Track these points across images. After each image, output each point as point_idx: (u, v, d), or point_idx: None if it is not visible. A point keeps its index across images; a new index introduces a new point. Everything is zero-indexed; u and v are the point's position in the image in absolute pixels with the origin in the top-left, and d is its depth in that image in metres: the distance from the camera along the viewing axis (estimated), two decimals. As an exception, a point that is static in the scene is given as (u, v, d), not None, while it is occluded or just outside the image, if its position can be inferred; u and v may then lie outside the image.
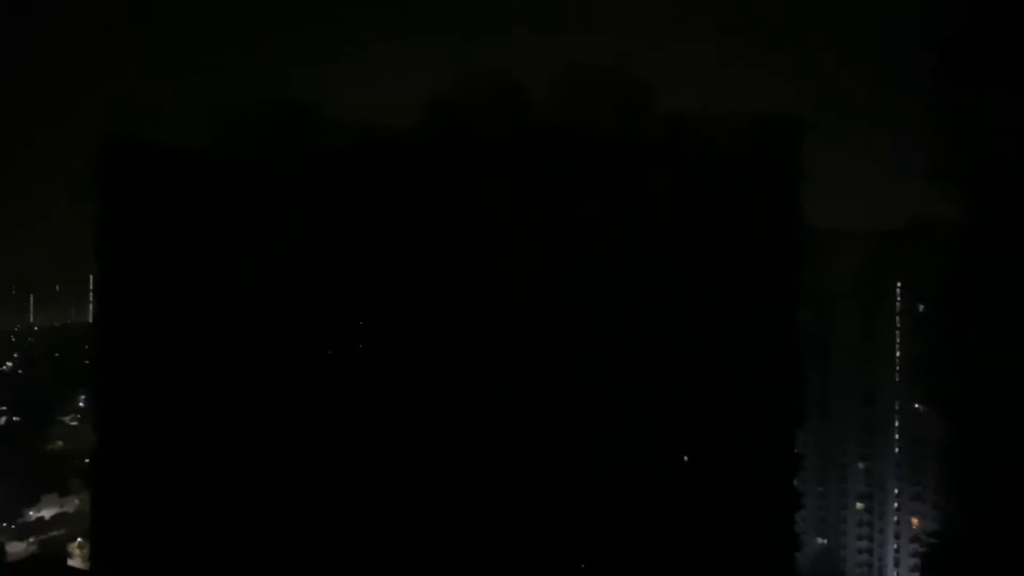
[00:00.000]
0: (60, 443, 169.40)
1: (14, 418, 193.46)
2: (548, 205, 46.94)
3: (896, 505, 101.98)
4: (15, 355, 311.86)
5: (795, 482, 51.28)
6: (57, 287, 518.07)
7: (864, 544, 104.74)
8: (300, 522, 52.23)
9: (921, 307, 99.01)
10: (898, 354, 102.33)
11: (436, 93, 49.62)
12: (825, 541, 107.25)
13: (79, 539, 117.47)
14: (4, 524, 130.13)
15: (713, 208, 46.79)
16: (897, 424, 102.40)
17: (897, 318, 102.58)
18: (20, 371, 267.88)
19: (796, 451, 50.89)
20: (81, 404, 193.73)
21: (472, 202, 47.62)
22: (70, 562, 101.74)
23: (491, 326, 47.11)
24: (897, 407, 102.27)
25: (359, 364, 52.61)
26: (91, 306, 65.16)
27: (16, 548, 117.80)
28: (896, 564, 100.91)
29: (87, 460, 72.74)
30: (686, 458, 48.99)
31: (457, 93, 48.97)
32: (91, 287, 64.64)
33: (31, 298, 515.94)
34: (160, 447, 56.91)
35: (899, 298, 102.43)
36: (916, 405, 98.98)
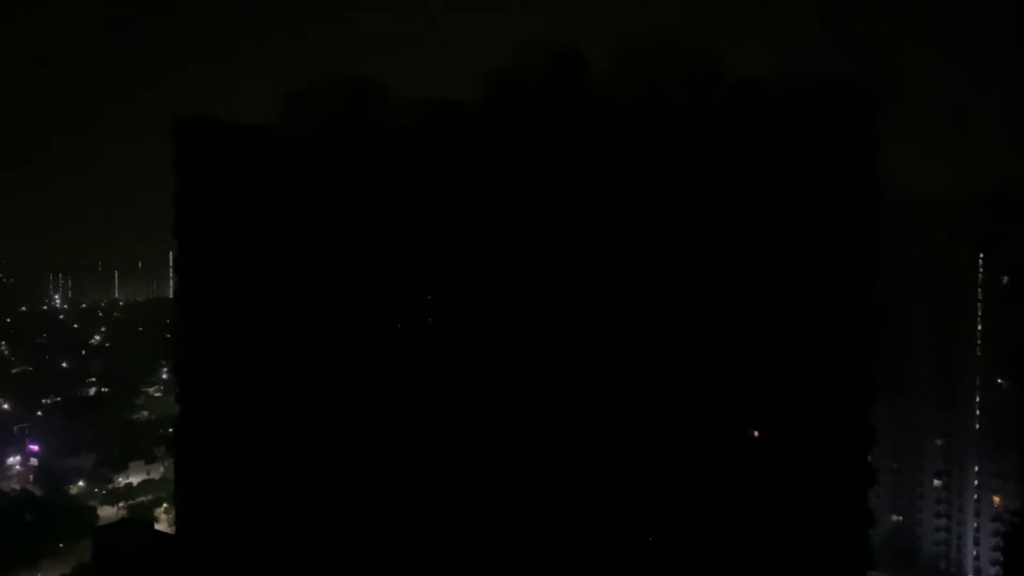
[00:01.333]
0: (145, 413, 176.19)
1: (102, 389, 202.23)
2: (614, 176, 46.41)
3: (976, 483, 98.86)
4: (102, 328, 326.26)
5: (869, 457, 50.17)
6: (140, 263, 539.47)
7: (942, 522, 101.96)
8: (368, 487, 53.50)
9: (1005, 279, 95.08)
10: (980, 327, 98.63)
11: (499, 67, 49.42)
12: (900, 519, 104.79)
13: (165, 504, 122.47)
14: (95, 490, 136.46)
15: (785, 178, 45.62)
16: (978, 400, 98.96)
17: (979, 290, 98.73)
18: (108, 344, 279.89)
19: (870, 425, 49.74)
20: (164, 375, 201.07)
21: (537, 174, 47.42)
22: (157, 526, 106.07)
23: (557, 293, 47.07)
24: (978, 382, 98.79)
25: (427, 337, 53.31)
26: (171, 281, 67.62)
27: (107, 512, 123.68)
28: (976, 543, 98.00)
29: (171, 429, 75.83)
30: (757, 433, 48.36)
31: (520, 66, 48.68)
32: (171, 263, 67.02)
33: (116, 274, 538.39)
34: (238, 416, 58.95)
35: (981, 269, 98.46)
36: (999, 380, 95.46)
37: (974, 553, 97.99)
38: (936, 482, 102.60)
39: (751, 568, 46.44)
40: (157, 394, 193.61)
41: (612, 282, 46.66)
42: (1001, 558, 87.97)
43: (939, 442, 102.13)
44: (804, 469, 46.25)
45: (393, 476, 52.94)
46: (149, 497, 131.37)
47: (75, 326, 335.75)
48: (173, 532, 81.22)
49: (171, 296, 79.78)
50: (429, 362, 52.43)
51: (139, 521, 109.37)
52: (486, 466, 49.50)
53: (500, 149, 49.08)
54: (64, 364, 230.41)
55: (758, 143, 45.82)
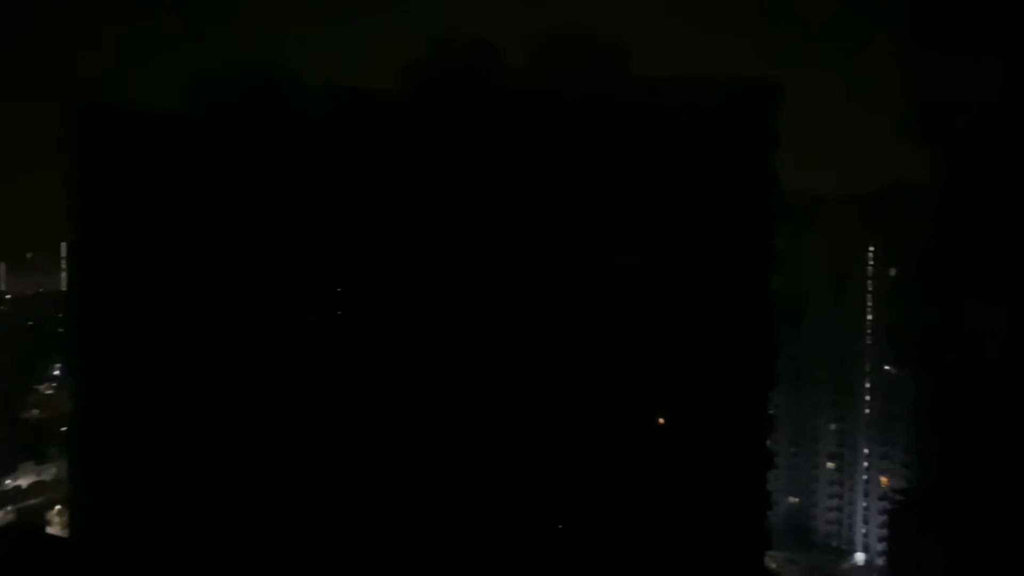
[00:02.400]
0: (36, 411, 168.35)
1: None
2: (523, 169, 46.89)
3: (866, 464, 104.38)
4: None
5: (768, 442, 52.33)
6: (29, 255, 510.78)
7: (835, 503, 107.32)
8: (280, 489, 52.54)
9: (893, 271, 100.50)
10: (870, 317, 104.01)
11: (412, 57, 49.23)
12: (797, 500, 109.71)
13: (57, 506, 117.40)
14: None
15: (688, 172, 46.98)
16: (868, 386, 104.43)
17: (869, 282, 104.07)
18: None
19: (769, 412, 51.86)
20: (56, 372, 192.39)
21: (448, 166, 47.47)
22: (49, 529, 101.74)
23: (467, 288, 47.27)
24: (868, 369, 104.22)
25: (340, 330, 52.66)
26: (63, 274, 64.64)
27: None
28: (865, 521, 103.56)
29: (64, 428, 72.65)
30: (661, 420, 49.78)
31: (433, 57, 48.57)
32: (63, 254, 64.07)
33: (2, 266, 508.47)
34: (137, 414, 56.85)
35: (871, 262, 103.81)
36: (886, 367, 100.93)
37: (863, 530, 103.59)
38: (829, 464, 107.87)
39: (655, 552, 47.80)
40: (49, 392, 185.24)
41: (520, 272, 47.08)
42: (887, 534, 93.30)
43: (832, 426, 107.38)
44: (706, 454, 47.84)
45: (303, 471, 52.12)
46: (40, 500, 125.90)
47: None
48: (66, 536, 77.98)
49: (63, 289, 76.10)
50: (340, 356, 51.80)
51: (29, 525, 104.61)
52: (402, 458, 49.34)
53: (414, 140, 48.88)
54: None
55: (664, 137, 47.04)
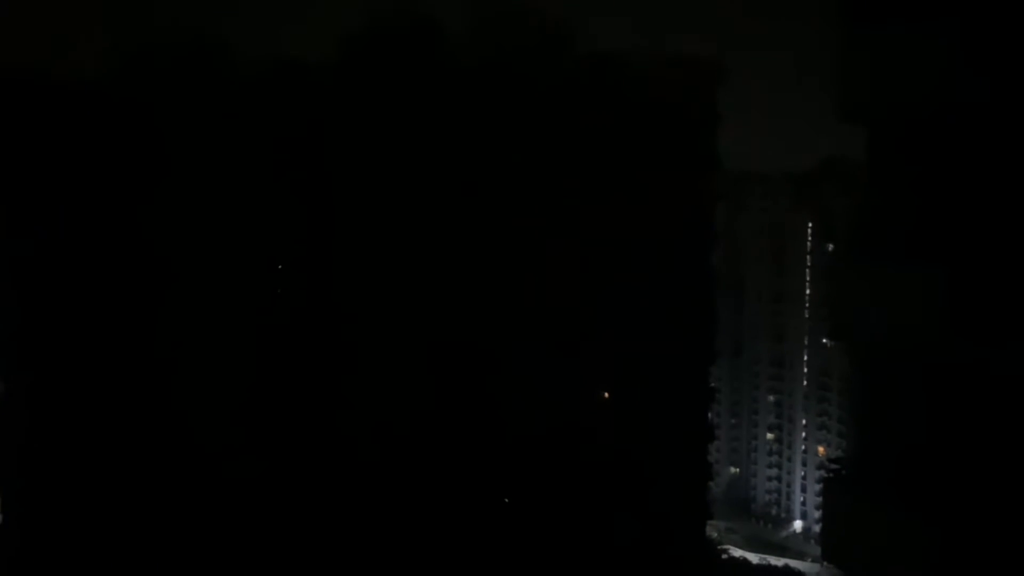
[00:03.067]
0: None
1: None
2: (465, 144, 46.43)
3: (804, 435, 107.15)
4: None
5: (709, 415, 53.22)
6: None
7: (774, 472, 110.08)
8: (208, 463, 51.50)
9: (830, 246, 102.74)
10: (807, 292, 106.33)
11: (350, 28, 48.11)
12: (737, 470, 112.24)
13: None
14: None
15: (629, 149, 47.07)
16: (806, 358, 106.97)
17: (807, 257, 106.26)
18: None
19: (710, 385, 52.71)
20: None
21: (387, 141, 46.72)
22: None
23: (410, 262, 46.78)
24: (806, 342, 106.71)
25: (279, 310, 51.71)
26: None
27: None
28: (803, 490, 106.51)
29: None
30: (606, 394, 50.19)
31: (372, 29, 47.54)
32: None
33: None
34: (61, 396, 55.04)
35: (810, 237, 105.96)
36: (823, 340, 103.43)
37: (801, 499, 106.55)
38: (769, 435, 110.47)
39: (598, 522, 48.36)
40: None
41: (463, 247, 46.80)
42: (822, 501, 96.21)
43: (771, 398, 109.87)
44: (649, 426, 48.45)
45: (232, 451, 51.10)
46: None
47: None
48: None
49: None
50: (280, 335, 50.89)
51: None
52: (341, 440, 48.88)
53: (349, 113, 47.92)
54: None
55: (606, 113, 46.94)
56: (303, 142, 49.42)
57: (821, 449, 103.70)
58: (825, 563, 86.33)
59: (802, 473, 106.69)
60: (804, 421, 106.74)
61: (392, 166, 46.80)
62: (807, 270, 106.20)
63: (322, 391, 49.57)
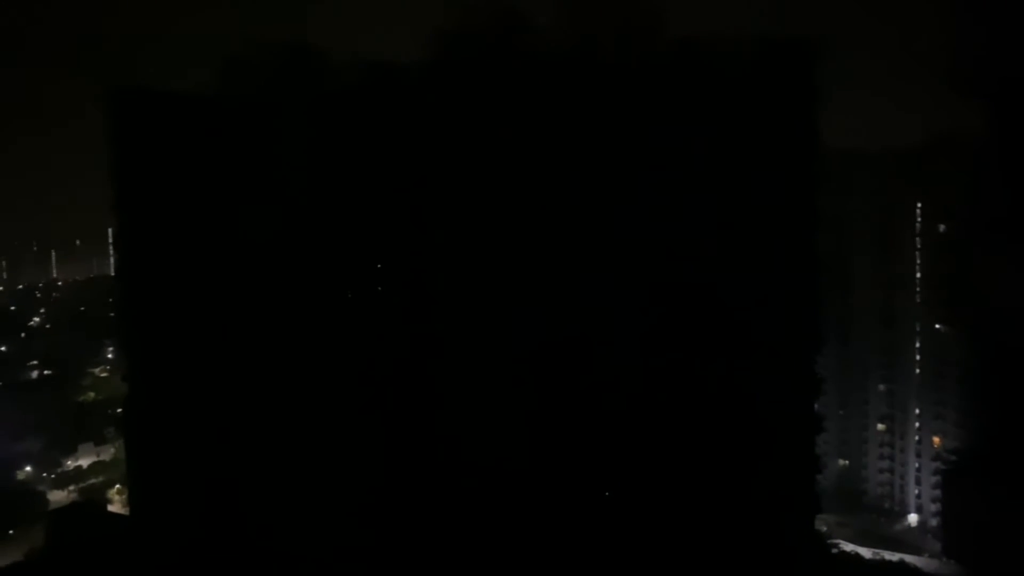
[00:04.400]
0: (92, 394, 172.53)
1: (45, 372, 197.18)
2: (559, 134, 46.31)
3: (917, 425, 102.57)
4: (41, 310, 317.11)
5: (815, 405, 51.61)
6: (78, 241, 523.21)
7: (886, 464, 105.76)
8: (325, 465, 53.29)
9: (942, 227, 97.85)
10: (918, 275, 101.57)
11: (440, 27, 48.71)
12: (847, 462, 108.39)
13: (117, 485, 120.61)
14: (44, 474, 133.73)
15: (727, 133, 46.04)
16: (918, 345, 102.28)
17: (917, 239, 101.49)
18: (48, 325, 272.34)
19: (816, 374, 51.06)
20: (109, 355, 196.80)
21: (483, 134, 47.06)
22: (110, 508, 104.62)
23: (503, 257, 47.10)
24: (918, 328, 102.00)
25: (379, 305, 52.96)
26: (112, 259, 65.98)
27: (57, 496, 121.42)
28: (918, 482, 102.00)
29: (119, 409, 74.42)
30: (708, 384, 49.32)
31: (461, 26, 48.00)
32: (111, 240, 65.29)
33: (52, 253, 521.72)
34: (188, 394, 58.01)
35: (919, 218, 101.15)
36: (937, 326, 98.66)
37: (916, 492, 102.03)
38: (880, 426, 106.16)
39: (709, 515, 47.68)
40: (103, 374, 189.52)
41: (561, 244, 46.80)
42: (940, 495, 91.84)
43: (882, 387, 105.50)
44: (756, 418, 47.41)
45: (349, 451, 52.72)
46: (100, 479, 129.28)
47: (12, 308, 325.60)
48: (127, 514, 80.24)
49: (112, 274, 77.75)
50: (383, 332, 52.13)
51: (91, 503, 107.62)
52: (445, 439, 49.66)
53: (443, 111, 48.58)
54: (3, 348, 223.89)
55: (701, 99, 46.09)
56: (402, 142, 50.33)
57: (936, 440, 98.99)
58: (945, 558, 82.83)
59: (916, 465, 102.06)
60: (918, 411, 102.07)
61: (487, 162, 47.17)
62: (917, 253, 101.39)
63: (415, 398, 50.43)
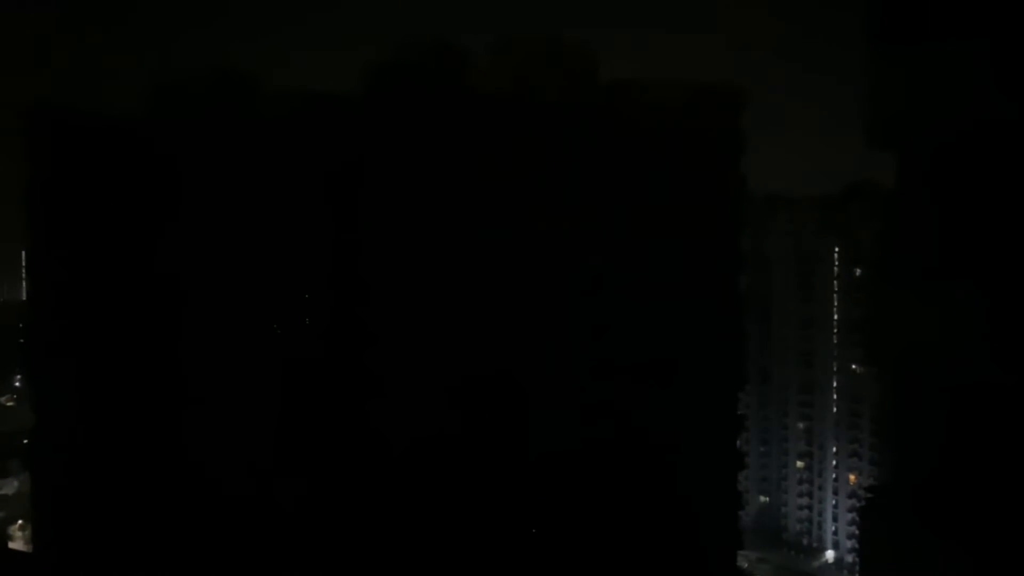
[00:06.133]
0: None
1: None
2: (490, 172, 46.71)
3: (835, 463, 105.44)
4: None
5: (738, 442, 52.63)
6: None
7: (804, 500, 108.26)
8: (246, 496, 51.83)
9: (858, 271, 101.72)
10: (836, 317, 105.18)
11: (376, 59, 48.84)
12: (767, 499, 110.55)
13: (20, 521, 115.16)
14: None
15: (655, 174, 47.17)
16: (835, 384, 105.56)
17: (835, 281, 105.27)
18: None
19: (738, 412, 52.16)
20: (17, 384, 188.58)
21: (413, 168, 47.18)
22: (11, 544, 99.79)
23: (438, 292, 47.00)
24: (835, 367, 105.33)
25: (305, 338, 52.09)
26: (23, 283, 63.35)
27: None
28: (835, 518, 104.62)
29: (25, 441, 70.77)
30: (632, 419, 49.82)
31: (398, 59, 48.25)
32: (23, 263, 62.67)
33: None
34: (98, 426, 55.77)
35: (837, 262, 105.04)
36: (853, 365, 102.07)
37: (833, 528, 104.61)
38: (799, 463, 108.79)
39: (629, 551, 47.84)
40: (10, 404, 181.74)
41: (491, 278, 46.95)
42: (856, 531, 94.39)
43: (801, 425, 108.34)
44: (676, 454, 47.99)
45: (274, 484, 51.42)
46: (2, 514, 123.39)
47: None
48: (28, 551, 76.42)
49: (23, 299, 74.39)
50: (308, 364, 51.23)
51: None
52: (372, 468, 48.89)
53: (377, 143, 48.53)
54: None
55: (631, 140, 47.17)
56: (332, 172, 50.09)
57: (852, 477, 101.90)
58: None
59: (833, 502, 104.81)
60: (835, 448, 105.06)
61: (417, 193, 47.19)
62: (835, 295, 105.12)
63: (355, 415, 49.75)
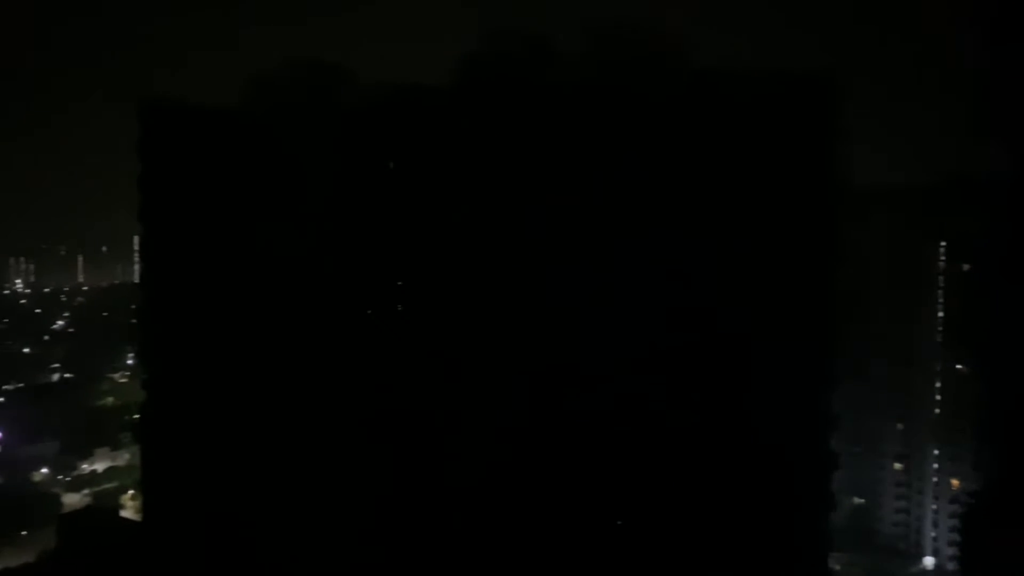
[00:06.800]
0: (111, 399, 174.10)
1: (66, 375, 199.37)
2: (580, 162, 46.64)
3: (936, 466, 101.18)
4: (65, 314, 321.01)
5: (831, 443, 51.16)
6: (104, 248, 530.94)
7: (902, 504, 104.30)
8: (339, 477, 53.52)
9: (965, 267, 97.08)
10: (940, 314, 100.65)
11: (467, 51, 49.37)
12: (862, 501, 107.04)
13: (131, 491, 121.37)
14: (59, 477, 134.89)
15: (748, 166, 46.14)
16: (938, 385, 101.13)
17: (940, 277, 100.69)
18: (71, 329, 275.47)
19: (833, 412, 50.65)
20: (129, 361, 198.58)
21: (503, 159, 47.50)
22: (123, 513, 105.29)
23: (519, 281, 47.33)
24: (938, 368, 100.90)
25: (396, 323, 53.35)
26: (136, 267, 67.01)
27: (71, 499, 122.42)
28: (935, 524, 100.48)
29: (136, 415, 74.99)
30: (723, 419, 49.06)
31: (487, 52, 48.63)
32: (136, 248, 66.33)
33: (79, 259, 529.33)
34: (205, 402, 58.62)
35: (943, 257, 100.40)
36: (958, 366, 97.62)
37: (933, 533, 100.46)
38: (897, 465, 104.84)
39: (720, 550, 47.28)
40: (122, 380, 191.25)
41: (582, 269, 46.90)
42: (958, 538, 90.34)
43: (900, 426, 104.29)
44: (770, 454, 47.06)
45: (364, 465, 52.94)
46: (115, 484, 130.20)
47: (37, 311, 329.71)
48: (139, 519, 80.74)
49: (136, 281, 78.71)
50: (400, 349, 52.47)
51: (104, 508, 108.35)
52: (460, 457, 49.70)
53: (468, 134, 49.13)
54: (26, 350, 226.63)
55: (721, 132, 46.25)
56: (427, 163, 50.92)
57: (955, 481, 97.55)
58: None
59: (934, 506, 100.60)
60: (936, 451, 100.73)
61: (505, 185, 47.58)
62: (940, 291, 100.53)
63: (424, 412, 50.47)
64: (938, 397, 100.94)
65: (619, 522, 48.82)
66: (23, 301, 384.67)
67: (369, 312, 54.59)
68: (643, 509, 47.93)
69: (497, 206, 47.89)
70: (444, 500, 50.19)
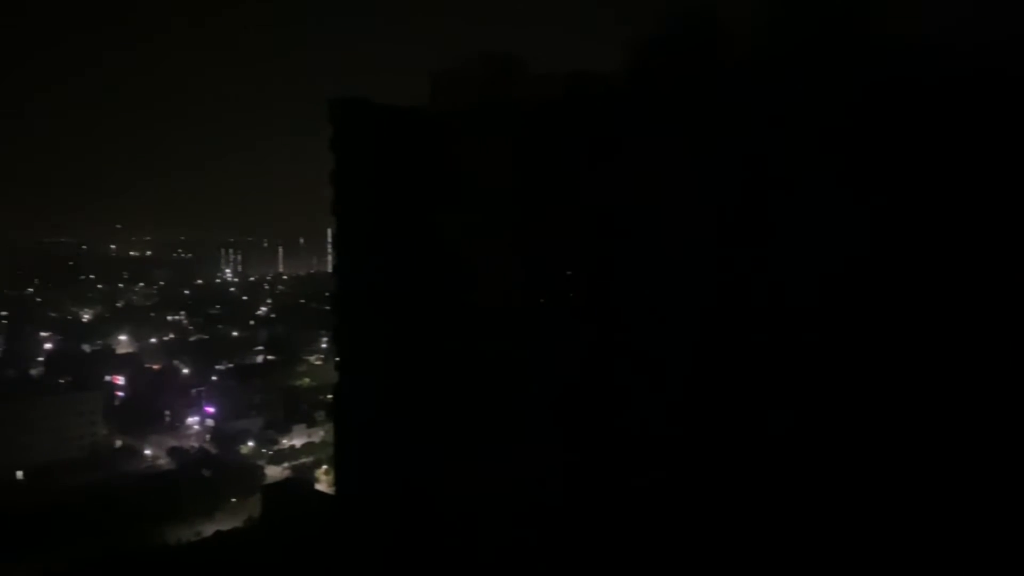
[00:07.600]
0: (307, 380, 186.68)
1: (268, 357, 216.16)
2: (767, 146, 43.96)
3: None
4: (268, 301, 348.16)
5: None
6: (301, 240, 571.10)
7: None
8: (518, 462, 54.40)
9: None
10: None
11: (635, 35, 48.33)
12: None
13: (324, 466, 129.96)
14: (263, 450, 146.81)
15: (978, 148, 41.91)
16: None
17: None
18: (273, 315, 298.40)
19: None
20: (323, 345, 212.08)
21: (683, 142, 45.99)
22: (317, 486, 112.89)
23: (684, 266, 45.93)
24: None
25: (570, 311, 53.59)
26: (329, 257, 71.32)
27: (273, 471, 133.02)
28: None
29: (330, 395, 79.67)
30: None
31: (658, 33, 47.24)
32: (329, 240, 70.49)
33: (280, 250, 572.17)
34: (391, 384, 61.52)
35: None
36: None
37: None
38: None
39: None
40: (318, 362, 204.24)
41: (766, 257, 44.16)
42: None
43: None
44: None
45: (543, 453, 53.33)
46: (310, 459, 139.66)
47: (244, 298, 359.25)
48: (332, 492, 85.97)
49: (329, 271, 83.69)
50: (572, 335, 52.60)
51: (301, 480, 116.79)
52: (639, 446, 49.08)
53: (645, 119, 48.28)
54: (235, 333, 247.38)
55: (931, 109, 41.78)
56: (604, 152, 50.29)
57: None
58: None
59: None
60: None
61: (691, 168, 46.13)
62: None
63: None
64: None
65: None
66: (232, 289, 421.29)
67: (542, 301, 55.06)
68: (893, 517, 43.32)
69: (678, 193, 46.51)
70: (629, 493, 49.73)
